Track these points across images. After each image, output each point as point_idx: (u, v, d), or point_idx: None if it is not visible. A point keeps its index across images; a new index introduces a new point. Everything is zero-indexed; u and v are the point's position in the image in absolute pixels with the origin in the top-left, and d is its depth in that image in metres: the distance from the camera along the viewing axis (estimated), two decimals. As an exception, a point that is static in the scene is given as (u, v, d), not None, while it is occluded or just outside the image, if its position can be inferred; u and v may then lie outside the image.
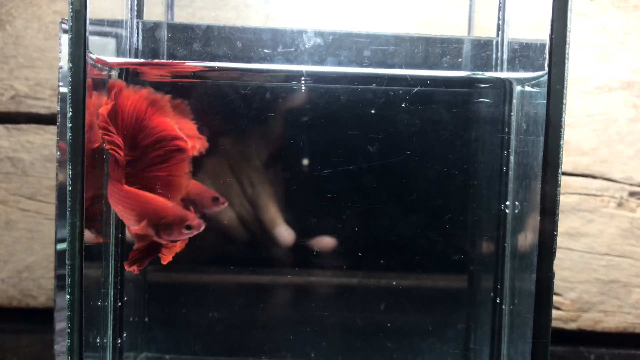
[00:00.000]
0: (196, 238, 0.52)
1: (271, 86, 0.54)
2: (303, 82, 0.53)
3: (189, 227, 0.49)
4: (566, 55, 0.45)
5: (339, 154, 0.55)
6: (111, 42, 0.55)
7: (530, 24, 0.53)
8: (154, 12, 0.63)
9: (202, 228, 0.49)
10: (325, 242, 0.57)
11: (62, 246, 0.49)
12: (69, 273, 0.45)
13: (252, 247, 0.58)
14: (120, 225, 0.54)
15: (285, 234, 0.57)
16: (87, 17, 0.44)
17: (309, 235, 0.57)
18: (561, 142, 0.45)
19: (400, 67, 0.55)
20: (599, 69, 0.77)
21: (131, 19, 0.55)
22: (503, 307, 0.54)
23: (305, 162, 0.56)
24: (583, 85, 0.77)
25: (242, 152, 0.56)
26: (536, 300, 0.46)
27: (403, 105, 0.54)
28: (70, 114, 0.45)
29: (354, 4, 0.64)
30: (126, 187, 0.48)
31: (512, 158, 0.53)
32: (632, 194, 0.78)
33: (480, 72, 0.55)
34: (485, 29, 0.60)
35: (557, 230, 0.45)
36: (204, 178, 0.56)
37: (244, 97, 0.55)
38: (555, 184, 0.45)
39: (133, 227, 0.49)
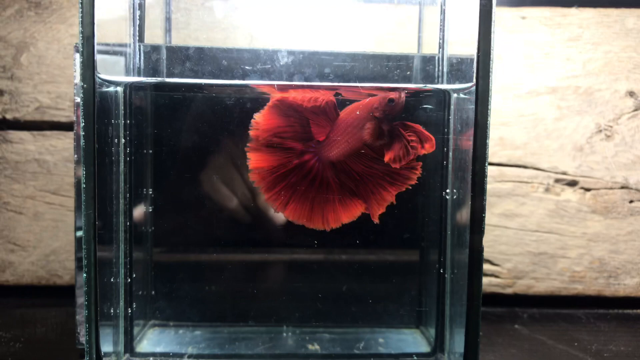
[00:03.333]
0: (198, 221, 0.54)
1: (251, 97, 0.56)
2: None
3: (391, 101, 0.51)
4: (490, 69, 0.46)
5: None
6: (120, 61, 0.56)
7: (466, 42, 0.55)
8: (157, 33, 0.64)
9: (403, 97, 0.51)
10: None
11: (80, 233, 0.50)
12: (85, 255, 0.46)
13: (246, 228, 0.60)
14: (129, 214, 0.55)
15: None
16: (96, 43, 0.45)
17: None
18: (487, 140, 0.47)
19: (357, 80, 0.57)
20: (529, 77, 0.79)
21: (134, 42, 0.56)
22: (446, 276, 0.56)
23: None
24: (516, 90, 0.79)
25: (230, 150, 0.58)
26: (469, 270, 0.48)
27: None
28: (83, 123, 0.46)
29: (325, 25, 0.65)
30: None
31: (450, 154, 0.55)
32: (557, 180, 0.80)
33: (423, 85, 0.57)
34: (435, 46, 0.62)
35: (485, 213, 0.47)
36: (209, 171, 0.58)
37: (230, 107, 0.56)
38: (483, 174, 0.47)
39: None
